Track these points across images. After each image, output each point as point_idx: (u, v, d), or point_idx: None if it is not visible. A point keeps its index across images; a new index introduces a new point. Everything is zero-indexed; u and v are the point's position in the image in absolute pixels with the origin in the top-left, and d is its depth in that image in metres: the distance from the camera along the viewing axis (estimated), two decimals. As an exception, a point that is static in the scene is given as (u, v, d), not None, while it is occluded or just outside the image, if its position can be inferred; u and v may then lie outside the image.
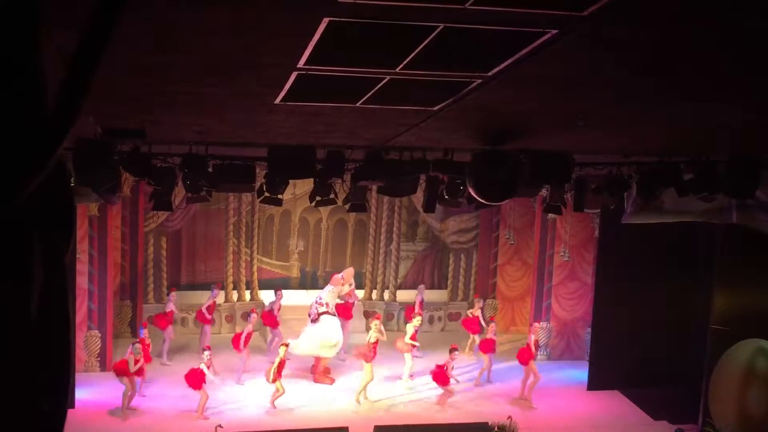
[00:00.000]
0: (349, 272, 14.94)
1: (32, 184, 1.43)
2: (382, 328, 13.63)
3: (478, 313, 15.64)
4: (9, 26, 1.37)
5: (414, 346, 13.85)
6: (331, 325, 13.83)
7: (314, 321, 13.94)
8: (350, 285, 14.69)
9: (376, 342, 13.01)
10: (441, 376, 12.76)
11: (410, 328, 13.93)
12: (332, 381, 13.88)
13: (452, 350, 12.97)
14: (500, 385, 14.05)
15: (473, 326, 15.47)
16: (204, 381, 12.03)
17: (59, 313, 1.76)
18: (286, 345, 12.58)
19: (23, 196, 1.44)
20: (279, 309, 14.98)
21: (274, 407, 12.47)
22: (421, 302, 16.08)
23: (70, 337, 1.91)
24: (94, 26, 1.46)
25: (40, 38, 1.43)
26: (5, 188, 1.41)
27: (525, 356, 13.30)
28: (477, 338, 15.17)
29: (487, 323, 14.76)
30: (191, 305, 16.20)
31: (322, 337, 13.68)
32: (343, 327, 14.39)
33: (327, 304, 14.03)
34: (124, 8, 1.47)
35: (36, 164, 1.44)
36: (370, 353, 12.84)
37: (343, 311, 14.84)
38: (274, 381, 12.35)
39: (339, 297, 14.49)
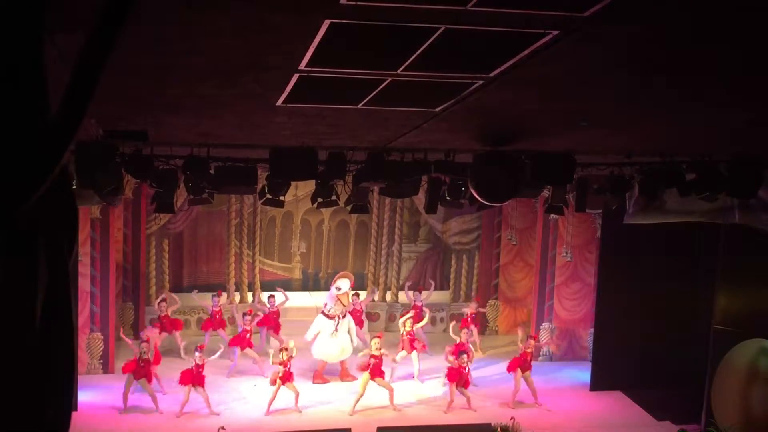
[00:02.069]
0: (340, 275, 14.73)
1: (39, 190, 1.44)
2: (380, 349, 12.80)
3: (468, 311, 15.39)
4: (12, 31, 1.37)
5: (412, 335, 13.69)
6: (324, 327, 13.86)
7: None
8: (338, 288, 14.12)
9: (374, 357, 12.57)
10: (454, 373, 12.57)
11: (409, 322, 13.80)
12: (326, 381, 13.86)
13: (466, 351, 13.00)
14: (502, 387, 13.99)
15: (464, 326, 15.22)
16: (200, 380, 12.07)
17: (63, 316, 1.76)
18: (286, 349, 12.46)
19: (30, 203, 1.44)
20: (278, 308, 14.75)
21: (267, 413, 12.31)
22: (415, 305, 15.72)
23: (73, 340, 1.91)
24: (99, 34, 1.46)
25: (44, 43, 1.43)
26: (13, 195, 1.41)
27: (513, 365, 13.08)
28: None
29: (471, 330, 14.16)
30: (193, 307, 16.20)
31: (317, 341, 13.85)
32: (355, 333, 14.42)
33: (325, 305, 14.12)
34: (129, 17, 1.47)
35: (42, 171, 1.44)
36: (364, 364, 12.85)
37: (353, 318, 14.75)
38: (273, 383, 12.27)
39: (339, 300, 14.35)
